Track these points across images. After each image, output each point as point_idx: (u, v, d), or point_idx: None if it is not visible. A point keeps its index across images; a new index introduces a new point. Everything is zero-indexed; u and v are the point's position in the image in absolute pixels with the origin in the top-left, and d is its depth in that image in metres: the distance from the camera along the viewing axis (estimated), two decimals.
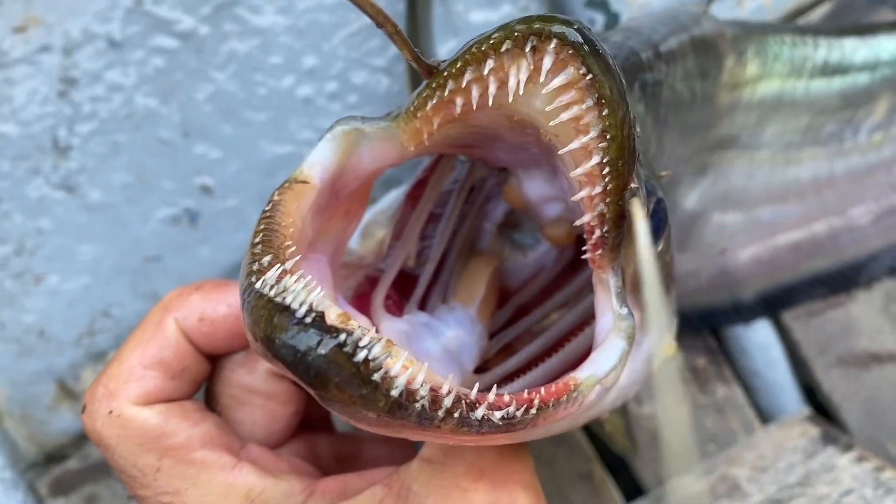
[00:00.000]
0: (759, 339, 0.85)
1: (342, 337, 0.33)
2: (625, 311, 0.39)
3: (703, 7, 0.75)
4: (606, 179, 0.36)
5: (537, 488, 0.45)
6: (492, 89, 0.35)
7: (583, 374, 0.38)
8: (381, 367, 0.33)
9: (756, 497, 0.72)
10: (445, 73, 0.36)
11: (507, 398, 0.35)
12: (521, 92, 0.35)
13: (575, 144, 0.36)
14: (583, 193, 0.37)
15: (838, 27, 0.85)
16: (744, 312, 0.84)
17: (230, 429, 0.50)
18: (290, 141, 0.80)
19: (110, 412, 0.47)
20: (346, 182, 0.42)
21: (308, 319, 0.33)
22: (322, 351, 0.33)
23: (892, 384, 0.85)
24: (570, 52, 0.34)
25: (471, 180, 0.53)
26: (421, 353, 0.46)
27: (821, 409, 0.87)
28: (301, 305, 0.33)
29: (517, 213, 0.56)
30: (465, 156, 0.51)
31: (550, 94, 0.35)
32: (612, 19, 0.76)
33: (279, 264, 0.35)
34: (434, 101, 0.37)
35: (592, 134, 0.35)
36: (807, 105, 0.82)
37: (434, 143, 0.40)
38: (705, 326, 0.85)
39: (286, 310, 0.33)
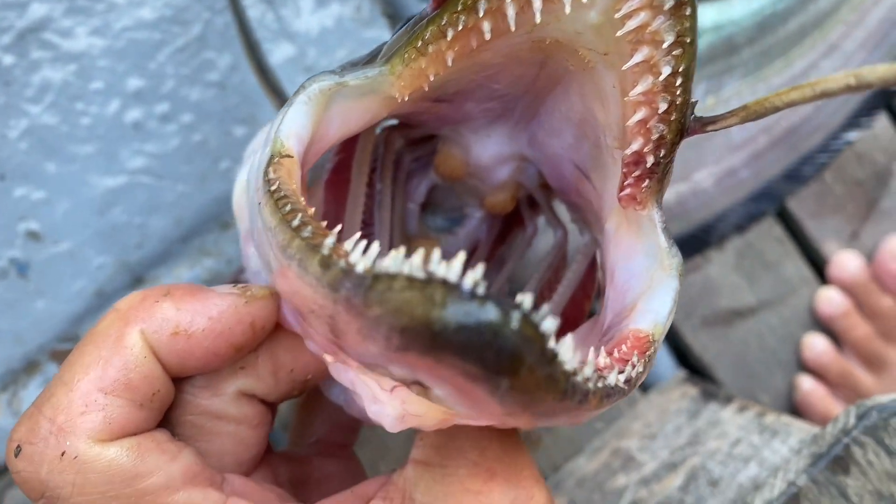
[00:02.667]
0: None
1: (525, 305, 0.26)
2: (674, 248, 0.35)
3: None
4: (677, 93, 0.32)
5: (545, 481, 0.40)
6: (537, 4, 0.31)
7: (645, 323, 0.34)
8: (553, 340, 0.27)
9: (651, 464, 0.72)
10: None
11: (603, 360, 0.31)
12: (581, 1, 0.30)
13: (638, 58, 0.31)
14: (637, 117, 0.32)
15: None
16: None
17: (204, 459, 0.41)
18: (122, 171, 0.74)
19: (62, 454, 0.36)
20: (309, 155, 0.36)
21: (480, 291, 0.26)
22: (514, 326, 0.26)
23: (756, 336, 0.89)
24: None
25: (391, 154, 0.48)
26: None
27: (695, 370, 0.89)
28: (458, 277, 0.26)
29: (434, 190, 0.52)
30: (425, 116, 0.44)
31: (616, 3, 0.30)
32: None
33: (363, 242, 0.28)
34: (458, 28, 0.31)
35: (668, 40, 0.31)
36: None
37: (422, 94, 0.35)
38: None
39: (449, 286, 0.26)
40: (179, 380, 0.40)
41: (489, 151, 0.43)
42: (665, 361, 0.88)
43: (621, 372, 0.31)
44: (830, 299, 0.88)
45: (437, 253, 0.27)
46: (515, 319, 0.26)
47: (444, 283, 0.26)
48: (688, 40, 0.31)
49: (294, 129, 0.34)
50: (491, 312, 0.25)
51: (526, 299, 0.26)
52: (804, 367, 0.89)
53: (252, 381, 0.39)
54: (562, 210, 0.50)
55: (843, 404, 0.87)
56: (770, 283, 0.90)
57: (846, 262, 0.89)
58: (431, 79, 0.34)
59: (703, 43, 0.85)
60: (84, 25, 0.71)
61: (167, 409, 0.40)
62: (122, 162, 0.74)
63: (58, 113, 0.72)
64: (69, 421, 0.36)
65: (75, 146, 0.73)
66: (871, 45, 0.89)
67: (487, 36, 0.32)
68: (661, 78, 0.32)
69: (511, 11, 0.31)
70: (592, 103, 0.36)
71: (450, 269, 0.26)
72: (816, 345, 0.89)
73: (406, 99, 0.34)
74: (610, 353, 0.32)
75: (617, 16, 0.31)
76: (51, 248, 0.73)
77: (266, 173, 0.32)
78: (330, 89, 0.34)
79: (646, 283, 0.35)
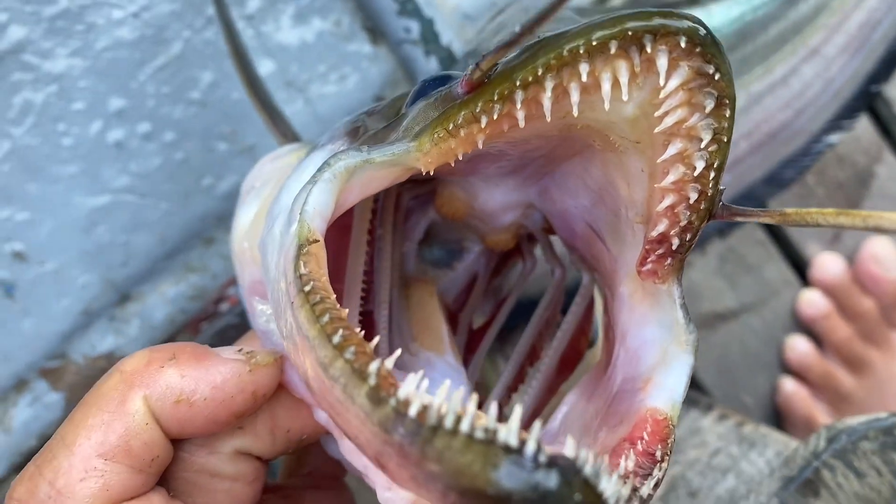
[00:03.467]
0: None
1: (587, 470, 0.26)
2: (691, 324, 0.35)
3: None
4: (709, 185, 0.32)
5: None
6: (575, 98, 0.30)
7: (661, 401, 0.33)
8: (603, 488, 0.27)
9: None
10: (518, 82, 0.30)
11: (631, 462, 0.31)
12: (621, 98, 0.30)
13: (672, 151, 0.31)
14: (665, 204, 0.33)
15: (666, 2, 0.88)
16: None
17: None
18: (106, 191, 0.74)
19: None
20: (332, 219, 0.36)
21: (542, 458, 0.26)
22: (577, 499, 0.26)
23: (737, 339, 0.90)
24: (699, 49, 0.29)
25: (392, 198, 0.47)
26: None
27: None
28: (518, 440, 0.26)
29: (433, 224, 0.52)
30: (408, 185, 0.45)
31: (659, 100, 0.30)
32: (427, 25, 0.75)
33: (413, 373, 0.28)
34: (493, 116, 0.31)
35: (706, 139, 0.31)
36: None
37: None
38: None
39: (510, 450, 0.26)
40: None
41: (496, 199, 0.43)
42: None
43: (650, 476, 0.31)
44: (812, 301, 0.89)
45: (493, 409, 0.27)
46: (578, 489, 0.26)
47: (507, 447, 0.26)
48: (725, 138, 0.32)
49: (319, 208, 0.33)
50: (553, 480, 0.25)
51: (588, 460, 0.26)
52: (786, 368, 0.91)
53: (249, 441, 0.40)
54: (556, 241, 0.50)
55: (825, 406, 0.89)
56: (752, 286, 0.91)
57: (828, 264, 0.90)
58: (460, 157, 0.34)
59: None
60: (64, 46, 0.71)
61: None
62: (106, 181, 0.74)
63: (39, 134, 0.72)
64: (68, 486, 0.36)
65: (58, 167, 0.73)
66: (852, 49, 0.89)
67: (522, 124, 0.32)
68: (697, 172, 0.32)
69: (548, 103, 0.31)
70: (616, 179, 0.36)
71: (510, 432, 0.26)
72: (798, 347, 0.90)
73: (429, 171, 0.35)
74: (633, 443, 0.32)
75: (656, 114, 0.31)
76: (36, 268, 0.74)
77: (297, 267, 0.32)
78: (356, 166, 0.34)
79: (659, 354, 0.35)
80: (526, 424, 0.43)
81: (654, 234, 0.34)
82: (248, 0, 0.75)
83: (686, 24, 0.30)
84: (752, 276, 0.90)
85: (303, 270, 0.31)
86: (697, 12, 0.86)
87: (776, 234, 0.91)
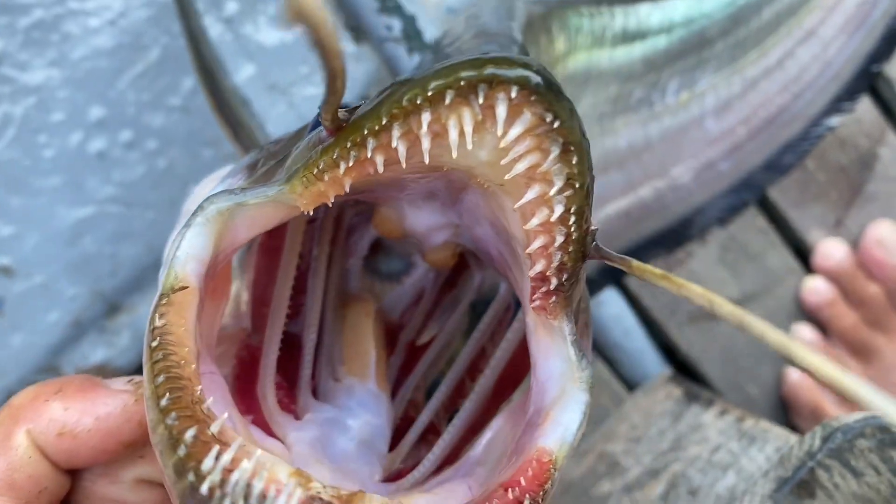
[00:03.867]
0: (612, 312, 0.87)
1: None
2: (584, 361, 0.35)
3: None
4: (571, 229, 0.32)
5: None
6: (425, 145, 0.31)
7: (551, 441, 0.33)
8: None
9: (634, 470, 0.72)
10: (365, 131, 0.31)
11: None
12: (467, 146, 0.30)
13: (531, 195, 0.32)
14: (537, 244, 0.33)
15: None
16: (588, 287, 0.85)
17: None
18: (90, 201, 0.73)
19: None
20: (218, 263, 0.36)
21: None
22: None
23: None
24: (534, 97, 0.29)
25: (330, 217, 0.47)
26: (338, 456, 0.41)
27: (683, 366, 0.89)
28: None
29: (381, 238, 0.51)
30: (351, 201, 0.45)
31: (503, 146, 0.31)
32: (409, 22, 0.73)
33: (216, 446, 0.28)
34: (349, 163, 0.31)
35: (558, 184, 0.31)
36: (613, 74, 0.84)
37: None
38: None
39: None
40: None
41: (423, 221, 0.42)
42: (652, 360, 0.88)
43: None
44: (816, 289, 0.87)
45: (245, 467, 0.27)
46: None
47: None
48: (577, 184, 0.31)
49: (193, 252, 0.33)
50: None
51: None
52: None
53: (150, 469, 0.40)
54: None
55: (831, 394, 0.87)
56: (755, 274, 0.89)
57: (831, 250, 0.88)
58: (332, 199, 0.33)
59: (674, 38, 0.84)
60: (41, 57, 0.71)
61: (66, 494, 0.41)
62: (90, 192, 0.73)
63: (20, 147, 0.71)
64: None
65: (40, 179, 0.72)
66: (850, 28, 0.87)
67: (381, 169, 0.32)
68: (555, 216, 0.32)
69: (402, 149, 0.31)
70: (498, 215, 0.36)
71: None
72: (804, 335, 0.88)
73: (308, 211, 0.34)
74: (509, 488, 0.32)
75: (503, 161, 0.31)
76: (24, 282, 0.73)
77: (151, 320, 0.32)
78: (228, 210, 0.34)
79: (560, 389, 0.35)
80: (460, 443, 0.43)
81: (533, 273, 0.34)
82: (225, 2, 0.74)
83: (518, 72, 0.29)
84: (754, 265, 0.88)
85: (157, 323, 0.31)
86: (660, 6, 0.84)
87: (777, 222, 0.89)
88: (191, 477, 0.27)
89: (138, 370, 0.82)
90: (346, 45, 0.77)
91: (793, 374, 0.87)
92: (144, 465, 0.40)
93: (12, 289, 0.73)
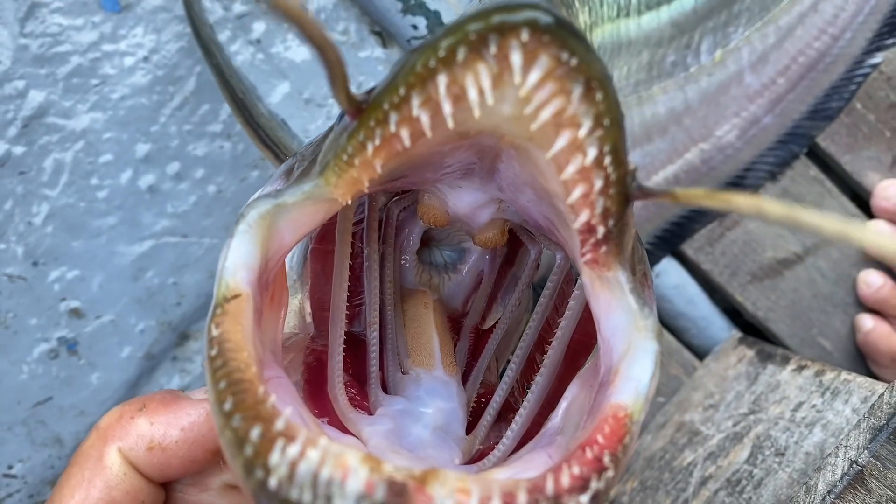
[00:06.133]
0: (672, 281, 0.86)
1: None
2: (645, 309, 0.34)
3: None
4: (608, 170, 0.31)
5: None
6: (447, 109, 0.30)
7: (624, 396, 0.33)
8: None
9: (716, 437, 0.71)
10: (385, 106, 0.30)
11: (576, 470, 0.30)
12: (489, 102, 0.30)
13: (561, 143, 0.31)
14: (577, 194, 0.32)
15: None
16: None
17: None
18: (148, 236, 0.75)
19: None
20: (269, 269, 0.36)
21: None
22: None
23: (805, 283, 0.86)
24: (546, 38, 0.28)
25: (375, 213, 0.47)
26: (415, 445, 0.41)
27: (750, 327, 0.87)
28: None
29: (432, 229, 0.51)
30: (391, 189, 0.45)
31: (526, 95, 0.30)
32: (434, 18, 0.73)
33: (280, 440, 0.28)
34: (376, 142, 0.31)
35: (586, 125, 0.30)
36: (643, 41, 0.82)
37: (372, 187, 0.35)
38: None
39: None
40: None
41: (465, 201, 0.42)
42: (720, 325, 0.87)
43: (586, 490, 0.30)
44: (880, 231, 0.85)
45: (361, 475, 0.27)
46: None
47: None
48: (606, 121, 0.30)
49: (241, 260, 0.33)
50: None
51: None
52: (863, 305, 0.87)
53: None
54: None
55: None
56: None
57: (890, 190, 0.86)
58: (367, 184, 0.33)
59: None
60: (83, 103, 0.72)
61: None
62: (146, 227, 0.75)
63: (75, 192, 0.73)
64: None
65: (98, 220, 0.74)
66: None
67: (408, 143, 0.31)
68: (590, 159, 0.31)
69: (425, 118, 0.30)
70: (534, 174, 0.35)
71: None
72: (872, 281, 0.86)
73: (350, 201, 0.34)
74: (588, 447, 0.31)
75: (527, 111, 0.30)
76: (94, 322, 0.75)
77: (208, 330, 0.32)
78: (269, 212, 0.34)
79: (626, 342, 0.34)
80: (539, 419, 0.42)
81: (578, 224, 0.33)
82: (251, 25, 0.75)
83: (526, 14, 0.28)
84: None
85: (213, 333, 0.31)
86: None
87: (831, 169, 0.87)
88: (259, 474, 0.27)
89: None
90: (374, 50, 0.77)
91: (866, 322, 0.85)
92: (229, 470, 0.41)
93: (84, 329, 0.75)
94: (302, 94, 0.77)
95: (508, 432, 0.42)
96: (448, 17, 0.74)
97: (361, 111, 0.32)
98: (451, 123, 0.30)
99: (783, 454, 0.62)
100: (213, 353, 0.31)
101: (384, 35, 0.77)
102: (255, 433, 0.28)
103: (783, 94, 0.84)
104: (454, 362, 0.47)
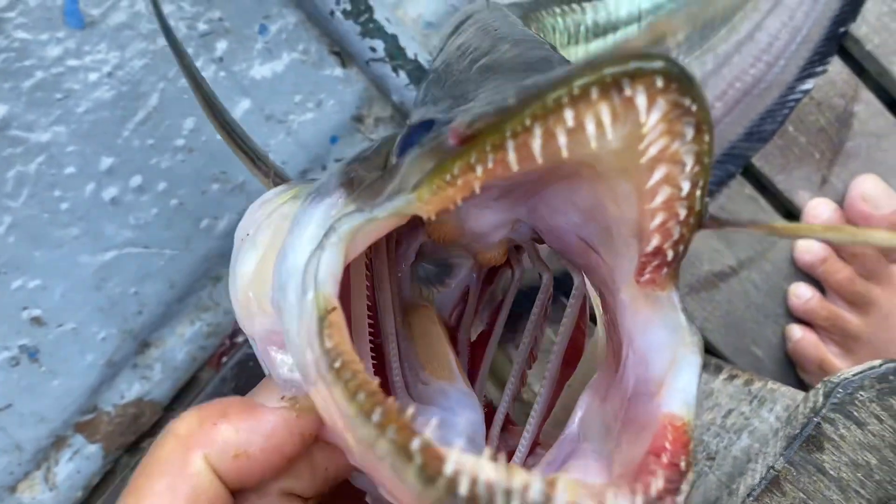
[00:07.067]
0: None
1: None
2: (693, 325, 0.37)
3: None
4: (695, 204, 0.34)
5: None
6: (562, 141, 0.32)
7: (675, 406, 0.35)
8: None
9: None
10: (507, 133, 0.32)
11: (661, 481, 0.32)
12: (606, 137, 0.32)
13: (658, 176, 0.33)
14: (657, 221, 0.35)
15: None
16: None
17: None
18: (111, 247, 0.77)
19: None
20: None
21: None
22: None
23: (740, 295, 0.92)
24: (674, 86, 0.31)
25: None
26: None
27: None
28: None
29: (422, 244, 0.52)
30: None
31: (643, 133, 0.32)
32: (391, 42, 0.77)
33: (454, 453, 0.30)
34: (489, 165, 0.33)
35: (689, 163, 0.33)
36: None
37: None
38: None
39: None
40: None
41: (487, 221, 0.44)
42: None
43: (679, 492, 0.32)
44: (809, 248, 0.91)
45: (537, 484, 0.29)
46: None
47: None
48: (706, 159, 0.33)
49: (332, 271, 0.35)
50: None
51: None
52: (793, 316, 0.92)
53: (293, 481, 0.41)
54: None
55: (834, 347, 0.90)
56: (748, 241, 0.92)
57: (819, 209, 0.91)
58: (460, 203, 0.35)
59: (643, 26, 0.87)
60: (46, 116, 0.74)
61: None
62: (108, 238, 0.77)
63: (37, 203, 0.75)
64: None
65: (60, 231, 0.76)
66: None
67: (515, 168, 0.33)
68: (684, 193, 0.34)
69: (538, 149, 0.32)
70: (605, 201, 0.38)
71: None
72: (801, 293, 0.91)
73: (431, 217, 0.36)
74: (657, 455, 0.33)
75: (640, 146, 0.33)
76: (56, 330, 0.77)
77: (322, 342, 0.33)
78: (360, 226, 0.36)
79: (669, 357, 0.37)
80: (540, 425, 0.46)
81: (650, 249, 0.36)
82: (215, 43, 0.77)
83: (660, 64, 0.31)
84: (746, 233, 0.91)
85: (328, 345, 0.33)
86: None
87: (765, 188, 0.93)
88: (443, 484, 0.29)
89: (174, 400, 0.86)
90: (334, 70, 0.80)
91: (795, 332, 0.91)
92: (287, 477, 0.41)
93: (46, 338, 0.76)
94: (263, 111, 0.79)
95: (523, 441, 0.45)
96: (405, 41, 0.77)
97: (468, 137, 0.33)
98: (565, 154, 0.32)
99: (713, 458, 0.67)
100: (338, 364, 0.32)
101: (343, 55, 0.80)
102: (415, 445, 0.30)
103: (720, 117, 0.89)
104: (465, 371, 0.49)
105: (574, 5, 0.85)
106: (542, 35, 0.81)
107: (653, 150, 0.33)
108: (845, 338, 0.89)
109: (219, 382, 0.80)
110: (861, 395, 0.52)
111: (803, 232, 0.36)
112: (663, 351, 0.37)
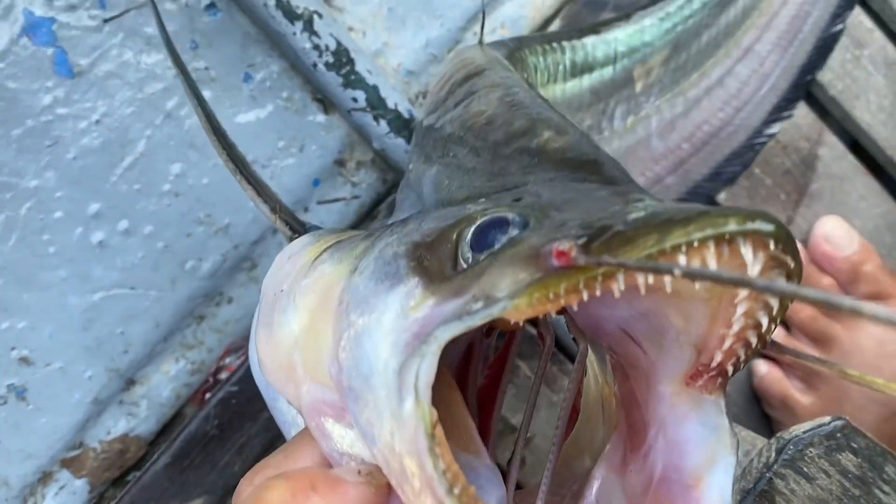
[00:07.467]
0: None
1: None
2: (735, 428, 0.39)
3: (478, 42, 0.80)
4: (766, 335, 0.36)
5: None
6: (668, 279, 0.34)
7: (714, 502, 0.38)
8: None
9: None
10: (623, 269, 0.33)
11: None
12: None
13: (741, 311, 0.36)
14: (726, 345, 0.37)
15: (579, 29, 0.93)
16: None
17: None
18: (99, 288, 0.79)
19: None
20: None
21: None
22: None
23: None
24: (780, 246, 0.34)
25: None
26: None
27: None
28: None
29: None
30: None
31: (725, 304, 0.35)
32: (372, 93, 0.79)
33: None
34: (596, 292, 0.34)
35: (775, 306, 0.35)
36: (566, 105, 0.90)
37: None
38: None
39: None
40: None
41: None
42: None
43: None
44: None
45: None
46: None
47: None
48: (788, 302, 0.36)
49: (429, 381, 0.35)
50: None
51: None
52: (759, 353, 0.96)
53: None
54: None
55: (797, 382, 0.94)
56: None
57: None
58: (545, 313, 0.36)
59: (618, 68, 0.90)
60: (36, 163, 0.76)
61: None
62: (96, 280, 0.79)
63: (26, 247, 0.77)
64: None
65: (48, 273, 0.78)
66: (784, 43, 0.93)
67: (618, 295, 0.35)
68: (762, 329, 0.36)
69: (643, 282, 0.34)
70: (670, 314, 0.39)
71: None
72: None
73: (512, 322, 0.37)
74: None
75: (744, 293, 0.35)
76: (43, 370, 0.79)
77: (435, 464, 0.34)
78: (459, 331, 0.37)
79: (705, 454, 0.39)
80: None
81: (713, 364, 0.38)
82: (201, 88, 0.79)
83: (772, 227, 0.34)
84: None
85: (442, 467, 0.34)
86: (630, 28, 0.90)
87: None
88: None
89: (159, 436, 0.88)
90: (316, 116, 0.83)
91: (761, 367, 0.94)
92: None
93: (33, 377, 0.78)
94: (247, 156, 0.81)
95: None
96: (386, 91, 0.80)
97: (574, 264, 0.35)
98: (668, 289, 0.34)
99: None
100: (458, 491, 0.33)
101: (326, 103, 0.83)
102: None
103: (686, 157, 0.93)
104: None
105: (554, 44, 0.88)
106: (524, 75, 0.84)
107: (743, 292, 0.35)
108: (808, 374, 0.93)
109: (202, 419, 0.82)
110: (810, 451, 0.55)
111: (866, 383, 0.39)
112: (700, 446, 0.39)
